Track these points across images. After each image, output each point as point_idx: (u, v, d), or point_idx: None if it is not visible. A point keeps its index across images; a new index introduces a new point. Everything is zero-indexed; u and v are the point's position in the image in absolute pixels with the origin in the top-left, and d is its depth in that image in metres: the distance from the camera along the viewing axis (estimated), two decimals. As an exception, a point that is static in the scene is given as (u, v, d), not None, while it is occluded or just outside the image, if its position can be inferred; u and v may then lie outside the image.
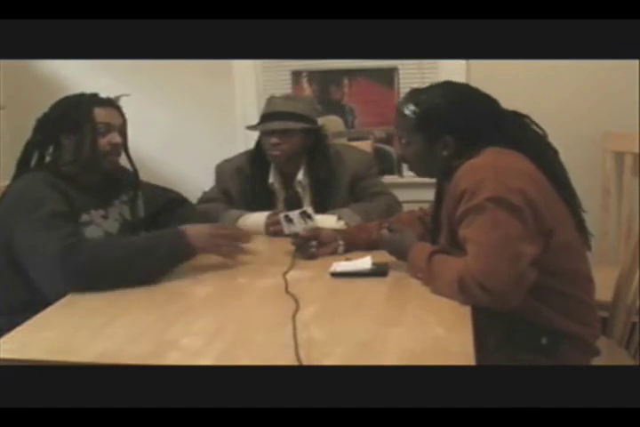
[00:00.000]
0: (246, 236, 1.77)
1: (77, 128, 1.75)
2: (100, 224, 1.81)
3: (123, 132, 1.84)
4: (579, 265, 1.56)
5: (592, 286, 1.59)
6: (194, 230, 1.67)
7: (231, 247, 1.74)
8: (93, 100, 1.79)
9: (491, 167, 1.47)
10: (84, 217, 1.77)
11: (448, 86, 1.64)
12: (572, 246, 1.54)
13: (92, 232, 1.77)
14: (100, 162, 1.79)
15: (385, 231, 1.71)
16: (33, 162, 1.80)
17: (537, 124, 1.60)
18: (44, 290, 1.57)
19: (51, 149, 1.79)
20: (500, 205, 1.41)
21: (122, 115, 1.84)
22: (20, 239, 1.63)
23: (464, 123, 1.56)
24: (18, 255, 1.64)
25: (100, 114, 1.77)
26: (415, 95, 1.61)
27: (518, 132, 1.57)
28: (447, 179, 1.57)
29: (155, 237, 1.67)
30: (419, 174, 1.70)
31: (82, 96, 1.80)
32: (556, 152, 1.59)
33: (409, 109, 1.59)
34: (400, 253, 1.65)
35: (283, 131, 2.10)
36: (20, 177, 1.77)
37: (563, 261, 1.51)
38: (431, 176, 1.70)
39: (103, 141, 1.78)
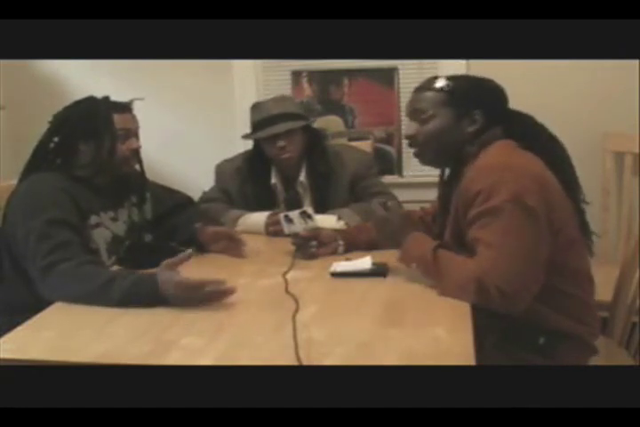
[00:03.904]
0: (216, 282, 1.46)
1: (97, 135, 1.74)
2: (108, 226, 1.81)
3: (137, 134, 1.84)
4: (580, 264, 1.56)
5: (592, 286, 1.59)
6: (164, 278, 1.44)
7: (204, 298, 1.46)
8: (111, 106, 1.78)
9: (505, 168, 1.46)
10: (94, 219, 1.77)
11: (473, 75, 1.67)
12: (575, 245, 1.54)
13: (100, 235, 1.77)
14: (117, 167, 1.79)
15: (378, 204, 1.66)
16: (44, 162, 1.78)
17: (540, 123, 1.61)
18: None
19: (66, 153, 1.78)
20: (518, 207, 1.40)
21: (136, 118, 1.84)
22: (17, 241, 1.64)
23: (493, 102, 1.58)
24: (18, 256, 1.65)
25: (119, 120, 1.77)
26: (440, 77, 1.61)
27: (531, 129, 1.58)
28: (454, 172, 1.56)
29: (120, 279, 1.49)
30: (427, 158, 1.62)
31: (98, 101, 1.79)
32: (563, 147, 1.59)
33: (442, 83, 1.58)
34: (392, 236, 1.62)
35: (286, 132, 2.09)
36: (30, 176, 1.76)
37: (566, 258, 1.51)
38: (440, 161, 1.65)
39: (123, 148, 1.78)
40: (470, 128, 1.57)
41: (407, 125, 1.63)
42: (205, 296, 1.45)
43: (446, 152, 1.60)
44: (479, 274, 1.39)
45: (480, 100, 1.57)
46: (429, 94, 1.59)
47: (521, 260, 1.39)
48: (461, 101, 1.57)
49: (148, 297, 1.44)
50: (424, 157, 1.63)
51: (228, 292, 1.45)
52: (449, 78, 1.60)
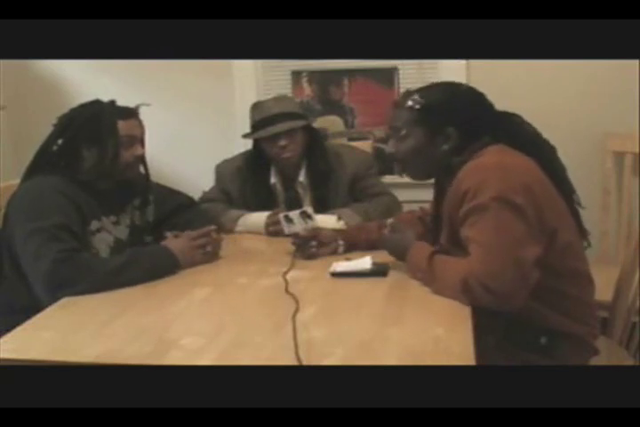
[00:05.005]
0: (215, 234, 1.81)
1: (100, 141, 1.73)
2: (110, 231, 1.81)
3: (143, 140, 1.83)
4: (578, 264, 1.56)
5: (591, 286, 1.59)
6: (176, 246, 1.72)
7: (210, 253, 1.79)
8: (116, 111, 1.76)
9: (495, 167, 1.46)
10: (95, 224, 1.76)
11: (449, 83, 1.65)
12: (573, 246, 1.54)
13: (102, 239, 1.77)
14: (120, 173, 1.78)
15: (386, 231, 1.71)
16: (48, 164, 1.77)
17: (529, 124, 1.60)
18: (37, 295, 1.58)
19: (69, 156, 1.77)
20: (505, 204, 1.41)
21: (142, 124, 1.82)
22: (19, 244, 1.63)
23: (467, 115, 1.56)
24: (17, 257, 1.65)
25: (124, 127, 1.75)
26: (415, 91, 1.60)
27: (515, 130, 1.57)
28: (447, 178, 1.57)
29: (139, 254, 1.67)
30: (411, 174, 1.66)
31: (104, 106, 1.77)
32: (553, 149, 1.59)
33: (413, 101, 1.57)
34: (398, 252, 1.65)
35: (287, 132, 2.09)
36: (32, 178, 1.75)
37: (564, 260, 1.51)
38: (424, 176, 1.67)
39: (127, 154, 1.76)
40: (445, 145, 1.56)
41: (389, 143, 1.64)
42: (202, 246, 1.76)
43: (428, 167, 1.62)
44: (465, 273, 1.40)
45: (453, 116, 1.55)
46: (403, 113, 1.59)
47: (507, 257, 1.39)
48: (433, 119, 1.55)
49: (160, 259, 1.68)
50: (407, 173, 1.67)
51: (213, 232, 1.79)
52: (422, 94, 1.58)
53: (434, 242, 1.64)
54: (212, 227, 1.82)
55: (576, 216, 1.59)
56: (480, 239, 1.43)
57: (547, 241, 1.45)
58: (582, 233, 1.60)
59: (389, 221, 1.75)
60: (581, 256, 1.58)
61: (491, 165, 1.48)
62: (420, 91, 1.60)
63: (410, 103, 1.57)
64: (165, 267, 1.68)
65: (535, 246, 1.42)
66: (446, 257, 1.52)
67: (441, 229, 1.62)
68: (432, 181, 1.74)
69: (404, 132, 1.59)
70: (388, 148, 1.65)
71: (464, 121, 1.55)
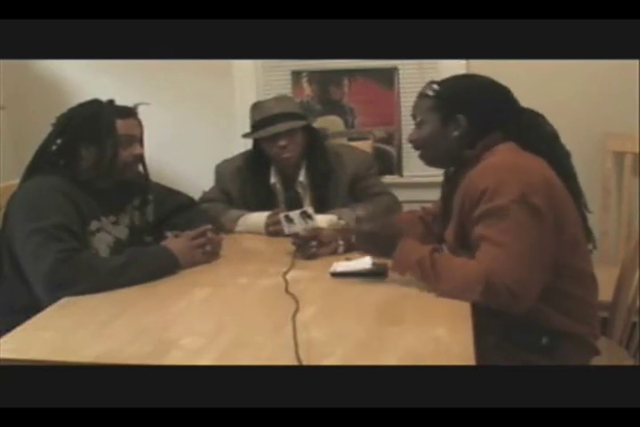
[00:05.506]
0: (212, 233, 1.81)
1: (99, 141, 1.72)
2: (110, 231, 1.81)
3: (141, 140, 1.83)
4: (582, 264, 1.56)
5: (595, 286, 1.59)
6: (176, 246, 1.72)
7: (209, 253, 1.79)
8: (115, 111, 1.75)
9: (511, 167, 1.47)
10: (94, 224, 1.76)
11: (471, 75, 1.70)
12: (578, 245, 1.54)
13: (101, 239, 1.77)
14: (119, 173, 1.78)
15: (358, 218, 1.70)
16: (47, 164, 1.76)
17: (550, 125, 1.61)
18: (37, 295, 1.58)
19: (68, 156, 1.76)
20: (525, 206, 1.41)
21: (140, 123, 1.82)
22: (18, 244, 1.63)
23: (480, 106, 1.58)
24: (17, 257, 1.64)
25: (123, 126, 1.75)
26: (437, 82, 1.64)
27: (533, 129, 1.58)
28: (458, 174, 1.57)
29: (139, 254, 1.67)
30: (427, 160, 1.68)
31: (102, 105, 1.77)
32: (567, 154, 1.60)
33: (430, 89, 1.62)
34: (381, 246, 1.60)
35: (287, 132, 2.09)
36: (31, 179, 1.74)
37: (569, 259, 1.51)
38: (440, 162, 1.69)
39: (125, 154, 1.76)
40: (455, 132, 1.58)
41: (411, 131, 1.69)
42: (202, 246, 1.75)
43: (443, 155, 1.64)
44: (488, 274, 1.38)
45: (466, 105, 1.58)
46: (420, 101, 1.65)
47: (528, 259, 1.39)
48: (446, 106, 1.59)
49: (160, 259, 1.68)
50: (425, 160, 1.69)
51: (209, 231, 1.78)
52: (441, 83, 1.62)
53: (438, 241, 1.64)
54: (208, 226, 1.81)
55: (583, 219, 1.59)
56: (500, 241, 1.41)
57: (556, 242, 1.45)
58: (588, 236, 1.60)
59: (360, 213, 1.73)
60: (587, 257, 1.58)
61: (506, 166, 1.48)
62: (440, 81, 1.64)
63: (427, 91, 1.62)
64: (165, 267, 1.68)
65: (550, 247, 1.42)
66: (449, 256, 1.51)
67: (446, 227, 1.61)
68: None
69: (420, 119, 1.64)
70: (409, 136, 1.70)
71: (475, 111, 1.57)
